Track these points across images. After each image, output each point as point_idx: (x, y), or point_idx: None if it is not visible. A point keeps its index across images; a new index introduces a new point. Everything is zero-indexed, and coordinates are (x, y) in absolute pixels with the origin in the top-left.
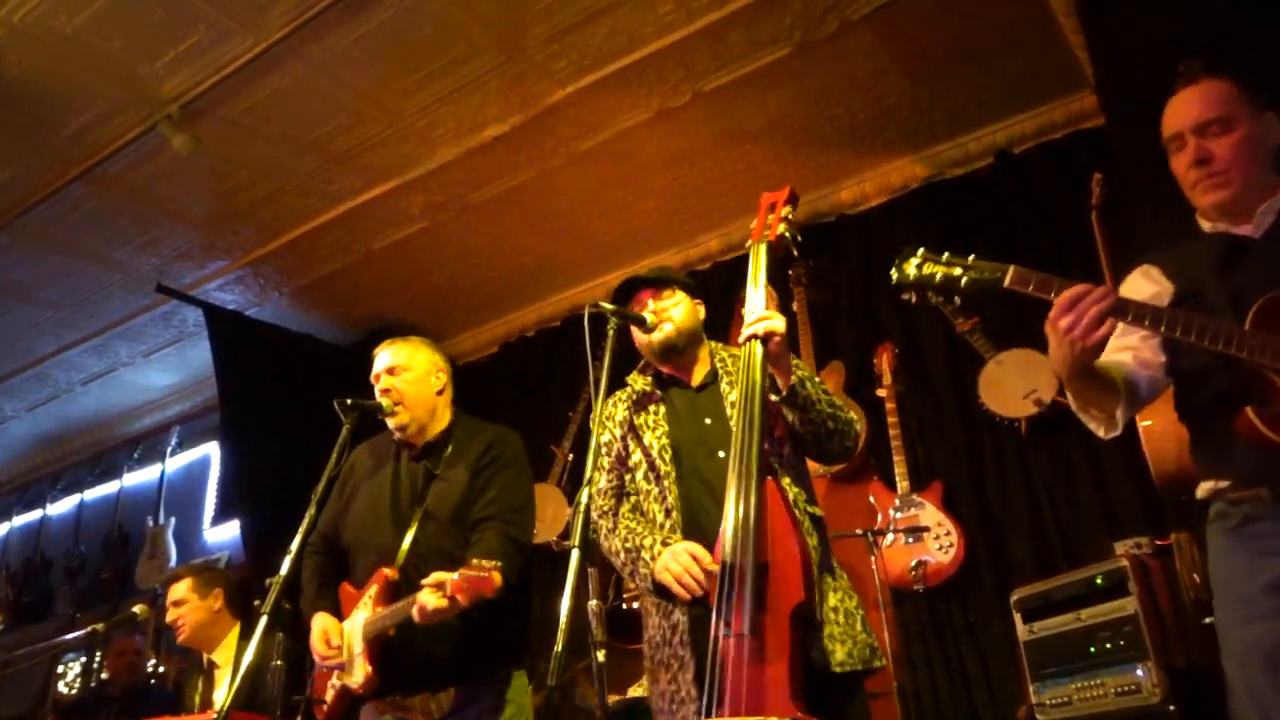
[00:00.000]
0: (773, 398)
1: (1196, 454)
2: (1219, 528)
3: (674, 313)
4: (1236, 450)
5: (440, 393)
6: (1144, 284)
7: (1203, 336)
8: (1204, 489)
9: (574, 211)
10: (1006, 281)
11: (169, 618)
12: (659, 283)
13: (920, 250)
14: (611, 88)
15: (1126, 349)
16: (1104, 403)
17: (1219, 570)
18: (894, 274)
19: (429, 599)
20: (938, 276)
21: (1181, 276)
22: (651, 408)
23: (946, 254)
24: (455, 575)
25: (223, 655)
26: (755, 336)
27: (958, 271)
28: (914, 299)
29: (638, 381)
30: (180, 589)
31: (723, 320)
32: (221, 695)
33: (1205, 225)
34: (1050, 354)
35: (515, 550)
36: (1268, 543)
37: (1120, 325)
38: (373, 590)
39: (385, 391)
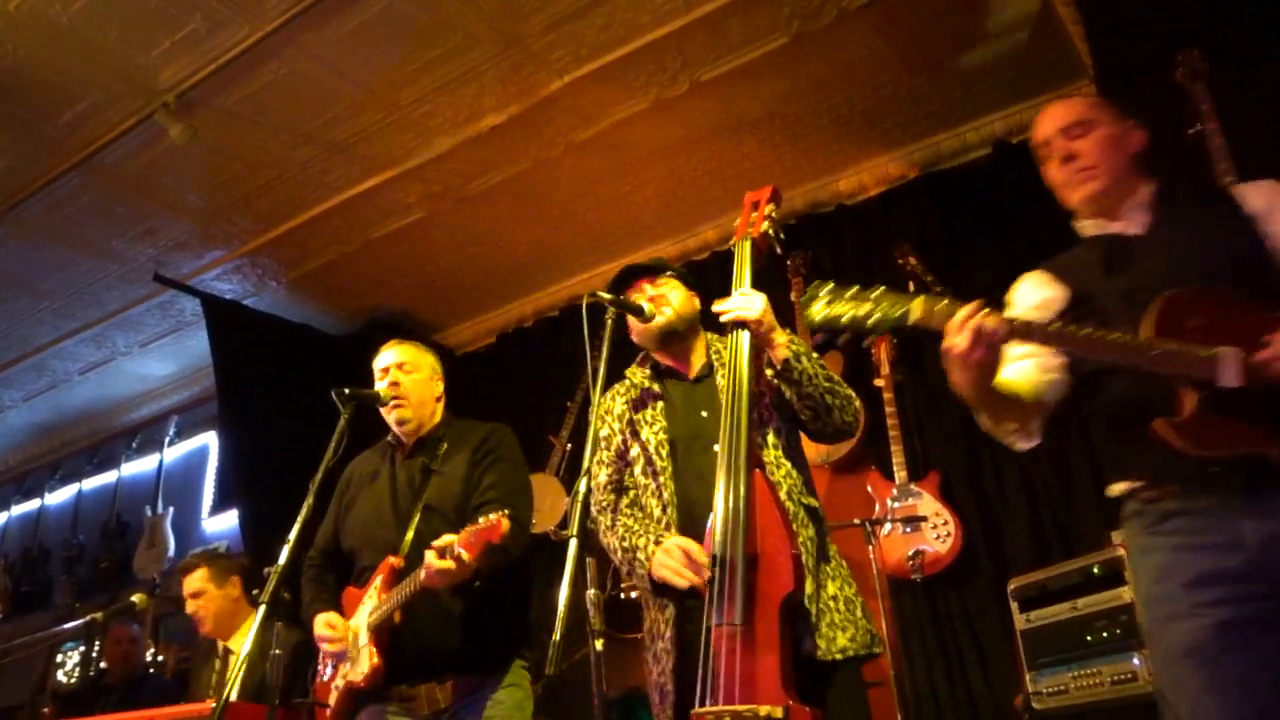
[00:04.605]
0: (768, 372)
1: (1105, 454)
2: (1136, 526)
3: (671, 296)
4: (1146, 452)
5: (439, 399)
6: (1036, 291)
7: (1103, 351)
8: (1117, 489)
9: (571, 202)
10: (911, 319)
11: (189, 609)
12: (654, 270)
13: (828, 288)
14: (609, 78)
15: (1029, 355)
16: (1016, 415)
17: (1140, 571)
18: (805, 316)
19: (436, 561)
20: (844, 317)
21: (1073, 280)
22: (651, 403)
23: (855, 288)
24: (459, 536)
25: (238, 643)
26: (737, 321)
27: (864, 310)
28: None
29: (636, 375)
30: (196, 579)
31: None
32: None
33: (1086, 228)
34: (952, 382)
35: (518, 528)
36: (1183, 539)
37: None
38: (378, 581)
39: (394, 384)
